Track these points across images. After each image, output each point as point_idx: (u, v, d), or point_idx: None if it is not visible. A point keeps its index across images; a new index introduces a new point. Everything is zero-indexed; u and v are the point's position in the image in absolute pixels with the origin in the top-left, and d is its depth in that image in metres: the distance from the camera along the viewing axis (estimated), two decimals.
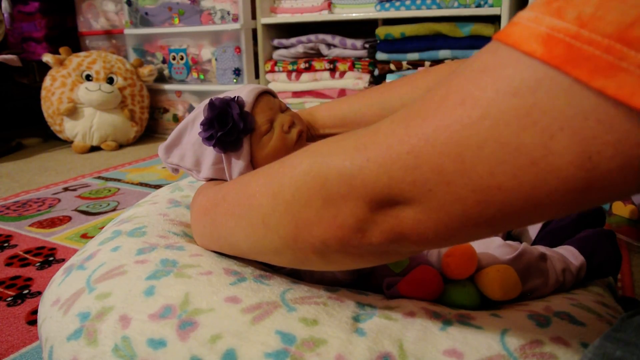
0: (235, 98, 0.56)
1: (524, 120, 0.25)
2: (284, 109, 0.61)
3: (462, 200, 0.29)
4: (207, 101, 0.57)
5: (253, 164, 0.57)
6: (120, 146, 2.03)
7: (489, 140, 0.27)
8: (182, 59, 2.12)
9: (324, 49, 1.85)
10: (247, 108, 0.57)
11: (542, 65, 0.25)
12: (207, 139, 0.55)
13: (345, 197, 0.34)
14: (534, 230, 0.63)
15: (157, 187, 1.41)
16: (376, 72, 1.75)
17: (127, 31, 2.20)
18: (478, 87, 0.27)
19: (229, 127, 0.54)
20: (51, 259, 0.96)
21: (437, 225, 0.31)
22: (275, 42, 1.97)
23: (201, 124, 0.56)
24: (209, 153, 0.58)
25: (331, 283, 0.51)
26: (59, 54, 1.98)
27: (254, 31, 1.97)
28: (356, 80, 1.77)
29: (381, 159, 0.31)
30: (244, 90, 0.59)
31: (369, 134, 0.34)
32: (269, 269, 0.52)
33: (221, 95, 0.58)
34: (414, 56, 1.68)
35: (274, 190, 0.39)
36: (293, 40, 1.92)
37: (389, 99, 0.64)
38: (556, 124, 0.25)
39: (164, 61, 2.18)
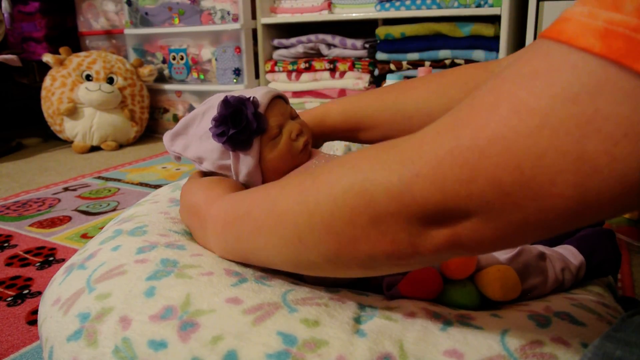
0: (251, 98, 0.56)
1: (586, 128, 0.24)
2: (295, 116, 0.62)
3: (521, 209, 0.28)
4: (219, 96, 0.58)
5: (260, 165, 0.58)
6: (120, 146, 2.03)
7: (549, 150, 0.26)
8: (182, 59, 2.12)
9: (324, 49, 1.86)
10: (261, 109, 0.57)
11: (601, 64, 0.24)
12: (219, 136, 0.55)
13: (395, 215, 0.32)
14: None
15: (157, 187, 1.41)
16: (376, 72, 1.75)
17: (127, 31, 2.20)
18: (532, 94, 0.26)
19: (242, 126, 0.55)
20: (51, 259, 0.96)
21: (496, 233, 0.30)
22: (275, 42, 1.97)
23: (214, 120, 0.56)
24: (216, 148, 0.58)
25: (332, 284, 0.51)
26: (59, 54, 1.98)
27: (254, 31, 1.97)
28: (356, 80, 1.77)
29: (432, 175, 0.30)
30: (259, 92, 0.59)
31: (413, 146, 0.32)
32: (270, 270, 0.52)
33: (236, 94, 0.58)
34: (414, 56, 1.68)
35: (310, 210, 0.37)
36: (293, 40, 1.92)
37: (403, 102, 0.63)
38: (620, 130, 0.24)
39: (164, 61, 2.17)
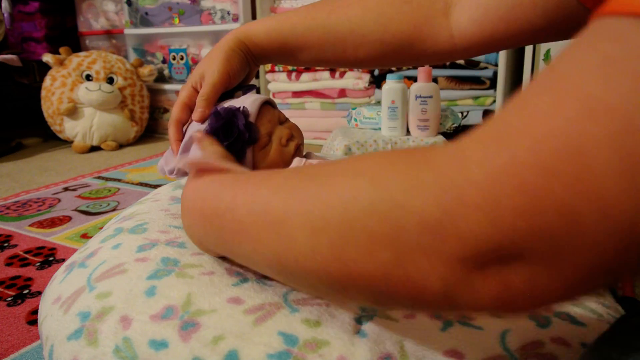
0: (241, 108, 0.56)
1: None
2: (283, 120, 0.62)
3: (596, 247, 0.21)
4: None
5: None
6: (120, 146, 2.03)
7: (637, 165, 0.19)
8: (182, 59, 2.12)
9: None
10: (251, 118, 0.57)
11: None
12: None
13: (429, 251, 0.25)
14: None
15: (157, 186, 1.41)
16: (376, 72, 1.75)
17: (127, 31, 2.20)
18: (608, 89, 0.20)
19: (234, 138, 0.54)
20: (51, 259, 0.96)
21: (560, 281, 0.23)
22: None
23: (205, 132, 0.56)
24: None
25: None
26: (59, 54, 1.98)
27: None
28: (356, 80, 1.77)
29: (481, 202, 0.23)
30: (248, 100, 0.58)
31: (453, 162, 0.25)
32: None
33: (225, 105, 0.58)
34: None
35: (314, 226, 0.29)
36: None
37: (335, 21, 0.57)
38: None
39: (164, 61, 2.17)
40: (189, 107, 0.61)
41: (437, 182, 0.25)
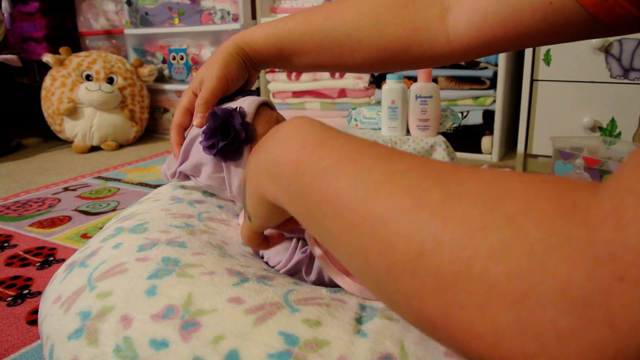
0: (238, 108, 0.57)
1: None
2: (281, 120, 0.62)
3: None
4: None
5: None
6: (120, 146, 2.03)
7: None
8: (182, 59, 2.12)
9: None
10: (248, 119, 0.57)
11: None
12: (209, 148, 0.56)
13: (565, 333, 0.18)
14: None
15: (157, 187, 1.41)
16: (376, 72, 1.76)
17: (127, 31, 2.20)
18: None
19: (231, 137, 0.55)
20: (51, 259, 0.96)
21: None
22: None
23: (203, 133, 0.56)
24: (208, 161, 0.59)
25: (333, 284, 0.51)
26: (59, 54, 1.98)
27: None
28: (356, 80, 1.77)
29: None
30: (245, 102, 0.59)
31: (609, 217, 0.18)
32: (272, 270, 0.52)
33: (223, 106, 0.58)
34: None
35: (423, 248, 0.23)
36: None
37: (332, 26, 0.57)
38: None
39: (164, 61, 2.17)
40: (190, 112, 0.62)
41: (591, 244, 0.18)
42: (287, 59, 0.62)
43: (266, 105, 0.62)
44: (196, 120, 0.59)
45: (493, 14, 0.49)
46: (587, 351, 0.18)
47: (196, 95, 0.61)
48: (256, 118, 0.59)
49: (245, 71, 0.63)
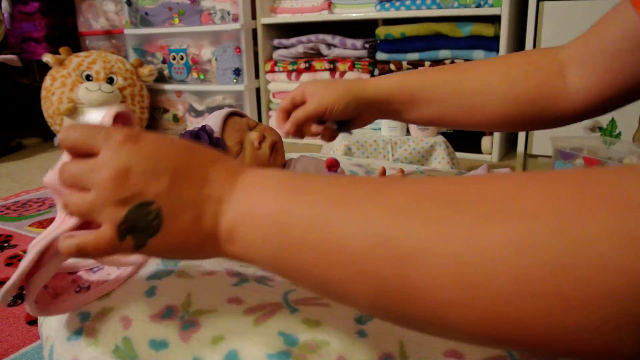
0: (206, 127, 0.58)
1: None
2: (253, 126, 0.64)
3: None
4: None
5: None
6: None
7: None
8: (182, 59, 2.12)
9: (324, 49, 1.86)
10: (216, 134, 0.59)
11: None
12: None
13: None
14: None
15: None
16: (376, 72, 1.76)
17: (127, 31, 2.20)
18: None
19: None
20: None
21: None
22: (275, 42, 1.97)
23: None
24: None
25: None
26: (59, 54, 1.98)
27: (254, 31, 1.97)
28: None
29: None
30: (211, 119, 0.61)
31: None
32: None
33: (190, 129, 0.60)
34: (414, 56, 1.68)
35: (467, 278, 0.23)
36: (293, 40, 1.92)
37: (464, 79, 0.60)
38: None
39: (164, 61, 2.18)
40: (288, 112, 0.63)
41: None
42: (415, 106, 0.62)
43: (234, 115, 0.63)
44: (281, 131, 0.61)
45: (600, 62, 0.51)
46: None
47: (293, 102, 0.63)
48: (225, 130, 0.60)
49: (355, 111, 0.63)
